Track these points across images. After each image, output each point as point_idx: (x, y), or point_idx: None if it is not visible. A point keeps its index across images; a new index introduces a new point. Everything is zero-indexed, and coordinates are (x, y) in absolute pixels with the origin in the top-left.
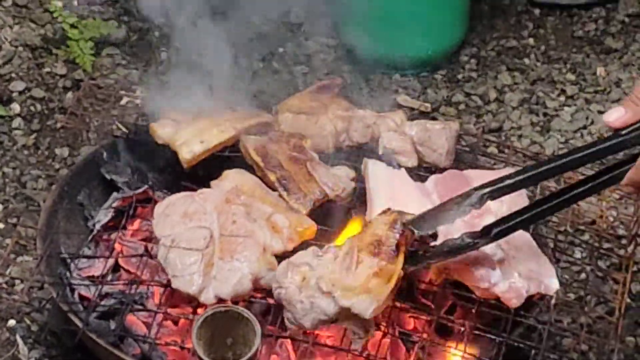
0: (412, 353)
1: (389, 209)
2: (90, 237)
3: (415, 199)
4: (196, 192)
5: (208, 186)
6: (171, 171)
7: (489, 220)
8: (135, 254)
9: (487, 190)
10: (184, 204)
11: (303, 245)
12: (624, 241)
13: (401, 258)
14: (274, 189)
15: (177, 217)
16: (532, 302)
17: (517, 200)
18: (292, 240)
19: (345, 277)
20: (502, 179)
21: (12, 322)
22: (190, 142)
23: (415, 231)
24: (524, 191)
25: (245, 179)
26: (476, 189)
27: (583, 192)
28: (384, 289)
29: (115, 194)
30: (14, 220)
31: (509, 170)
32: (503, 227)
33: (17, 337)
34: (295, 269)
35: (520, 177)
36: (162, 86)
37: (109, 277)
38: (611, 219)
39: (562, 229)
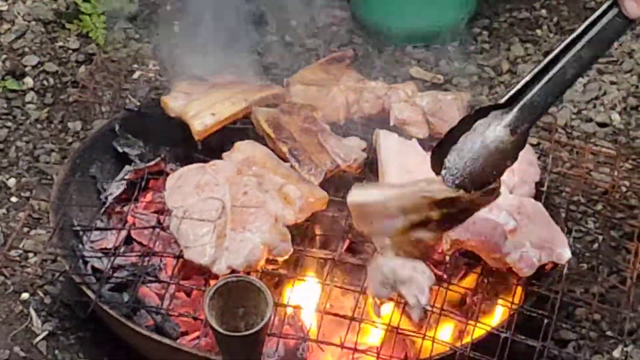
0: (424, 323)
1: None
2: (102, 210)
3: (426, 169)
4: (208, 164)
5: (220, 158)
6: (183, 144)
7: (502, 190)
8: (148, 226)
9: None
10: (196, 175)
11: (314, 216)
12: (636, 211)
13: None
14: (286, 161)
15: (189, 188)
16: (544, 272)
17: (529, 169)
18: (304, 211)
19: None
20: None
21: (25, 295)
22: (202, 114)
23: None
24: (535, 160)
25: (256, 150)
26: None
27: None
28: None
29: (127, 167)
30: (27, 193)
31: None
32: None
33: (31, 309)
34: None
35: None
36: (174, 59)
37: (122, 250)
38: (624, 189)
39: (574, 199)
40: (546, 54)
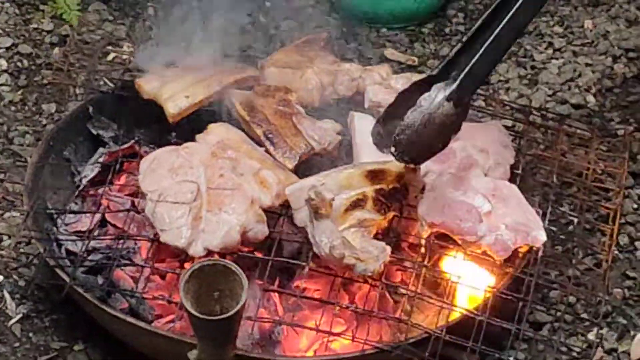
0: (399, 305)
1: None
2: (76, 193)
3: None
4: (181, 147)
5: (194, 140)
6: (157, 126)
7: (477, 173)
8: (122, 209)
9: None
10: (170, 158)
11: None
12: (611, 193)
13: None
14: (260, 144)
15: (163, 171)
16: (519, 254)
17: (503, 152)
18: (280, 196)
19: None
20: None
21: None
22: (176, 96)
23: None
24: (509, 143)
25: (230, 133)
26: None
27: None
28: None
29: (101, 149)
30: (1, 176)
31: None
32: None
33: (5, 292)
34: None
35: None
36: (149, 41)
37: (96, 232)
38: (599, 171)
39: (549, 181)
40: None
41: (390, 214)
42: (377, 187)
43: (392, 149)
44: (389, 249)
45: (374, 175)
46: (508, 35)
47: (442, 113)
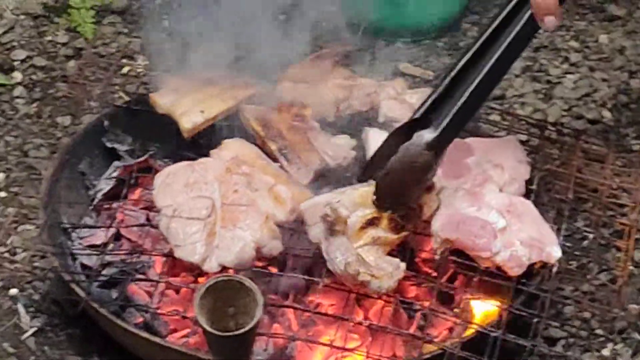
0: (413, 321)
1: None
2: (91, 206)
3: None
4: (196, 162)
5: (208, 155)
6: (172, 140)
7: (492, 188)
8: (137, 224)
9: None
10: (185, 173)
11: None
12: (626, 209)
13: None
14: (274, 159)
15: (178, 186)
16: (534, 271)
17: (518, 167)
18: (295, 211)
19: None
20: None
21: (14, 291)
22: (191, 111)
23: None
24: (524, 158)
25: (244, 148)
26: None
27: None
28: None
29: (116, 163)
30: (16, 189)
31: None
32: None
33: (19, 305)
34: None
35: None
36: (163, 55)
37: (111, 246)
38: (614, 186)
39: (564, 196)
40: (536, 50)
41: (405, 233)
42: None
43: (374, 197)
44: (403, 265)
45: None
46: (492, 79)
47: (423, 162)
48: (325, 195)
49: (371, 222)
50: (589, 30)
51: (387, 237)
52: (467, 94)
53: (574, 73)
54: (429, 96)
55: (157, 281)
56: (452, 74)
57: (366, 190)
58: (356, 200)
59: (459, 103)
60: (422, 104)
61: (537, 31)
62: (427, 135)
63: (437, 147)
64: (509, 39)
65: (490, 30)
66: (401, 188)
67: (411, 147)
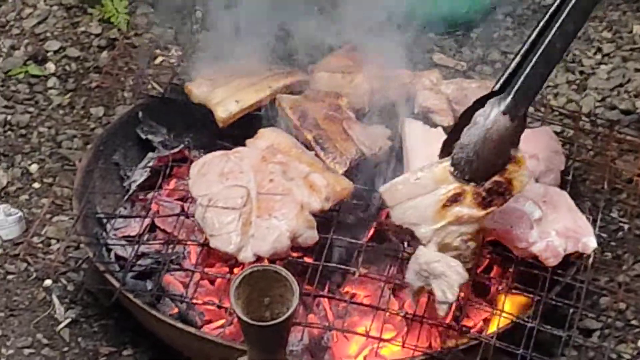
0: (449, 312)
1: None
2: (126, 197)
3: None
4: (231, 151)
5: (243, 145)
6: (206, 130)
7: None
8: (172, 214)
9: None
10: (220, 163)
11: (340, 205)
12: None
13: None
14: (310, 148)
15: (213, 176)
16: (569, 261)
17: (554, 158)
18: (330, 199)
19: None
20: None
21: (48, 282)
22: (226, 101)
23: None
24: (559, 149)
25: (280, 137)
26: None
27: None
28: None
29: (150, 154)
30: (50, 179)
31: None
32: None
33: (54, 296)
34: None
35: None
36: (196, 45)
37: (145, 237)
38: None
39: (599, 187)
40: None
41: (492, 209)
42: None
43: (451, 169)
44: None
45: None
46: (558, 44)
47: (498, 128)
48: (403, 176)
49: (454, 200)
50: (622, 20)
51: (472, 213)
52: (534, 59)
53: (607, 64)
54: (505, 70)
55: (192, 271)
56: (525, 46)
57: (445, 165)
58: (437, 177)
59: (528, 68)
60: (499, 79)
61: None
62: (499, 101)
63: (511, 112)
64: (570, 5)
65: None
66: (479, 157)
67: (484, 114)
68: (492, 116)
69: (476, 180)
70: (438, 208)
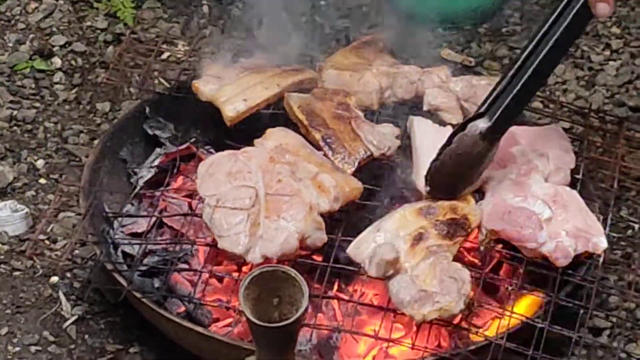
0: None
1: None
2: (133, 194)
3: None
4: (239, 151)
5: (251, 144)
6: (214, 127)
7: (537, 178)
8: (180, 212)
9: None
10: (228, 163)
11: (349, 205)
12: None
13: None
14: (318, 148)
15: (221, 176)
16: (579, 261)
17: (564, 156)
18: (339, 200)
19: None
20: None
21: (54, 279)
22: (234, 99)
23: None
24: (569, 147)
25: (289, 137)
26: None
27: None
28: None
29: (158, 150)
30: (56, 175)
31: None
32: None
33: (60, 293)
34: None
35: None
36: (204, 40)
37: (153, 235)
38: None
39: (608, 185)
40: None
41: (459, 239)
42: (434, 220)
43: (427, 188)
44: (467, 278)
45: (427, 211)
46: (543, 69)
47: (475, 151)
48: (365, 232)
49: (420, 237)
50: (631, 16)
51: (442, 244)
52: (519, 85)
53: (616, 60)
54: (490, 92)
55: (200, 271)
56: (512, 71)
57: (401, 213)
58: (396, 225)
59: (512, 93)
60: (485, 100)
61: (589, 20)
62: (481, 125)
63: (491, 137)
64: (561, 29)
65: (547, 25)
66: (454, 177)
67: (465, 137)
68: (470, 140)
69: (450, 198)
70: (406, 249)
